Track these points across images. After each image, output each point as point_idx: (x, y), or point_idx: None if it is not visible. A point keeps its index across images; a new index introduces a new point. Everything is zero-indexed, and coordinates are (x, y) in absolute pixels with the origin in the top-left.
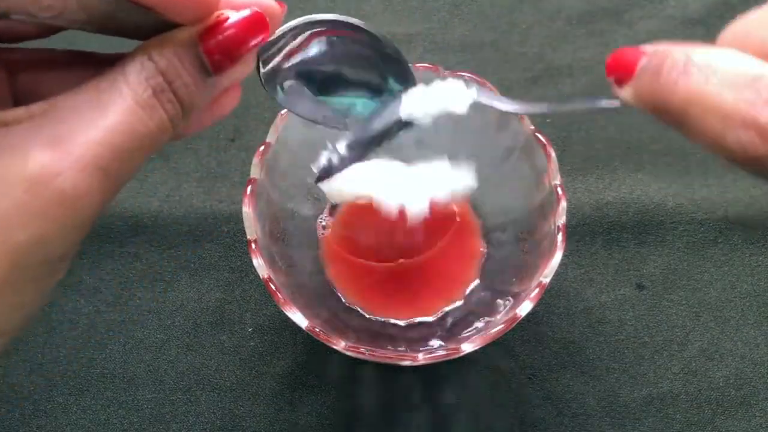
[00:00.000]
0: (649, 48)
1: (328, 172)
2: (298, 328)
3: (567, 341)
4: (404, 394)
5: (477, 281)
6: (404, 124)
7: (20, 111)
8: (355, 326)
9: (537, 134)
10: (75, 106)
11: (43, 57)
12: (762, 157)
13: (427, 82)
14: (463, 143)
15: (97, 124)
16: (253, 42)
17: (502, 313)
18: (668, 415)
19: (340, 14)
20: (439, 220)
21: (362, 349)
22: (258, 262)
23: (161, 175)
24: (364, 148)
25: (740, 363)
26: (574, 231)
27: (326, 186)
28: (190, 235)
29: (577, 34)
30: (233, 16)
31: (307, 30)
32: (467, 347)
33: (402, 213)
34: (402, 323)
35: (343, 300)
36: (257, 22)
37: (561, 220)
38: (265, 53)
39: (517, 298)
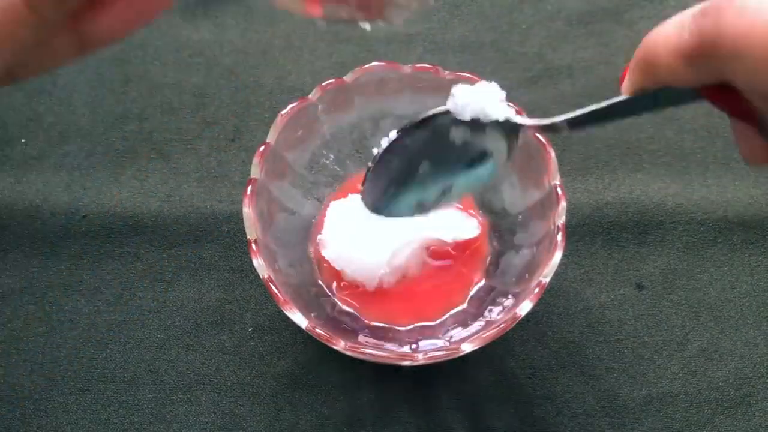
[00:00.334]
0: None
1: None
2: (298, 328)
3: (567, 341)
4: (404, 394)
5: (482, 282)
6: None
7: None
8: (355, 327)
9: (537, 135)
10: None
11: None
12: None
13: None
14: None
15: None
16: None
17: (502, 312)
18: (668, 415)
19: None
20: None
21: (362, 350)
22: (258, 262)
23: (162, 175)
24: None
25: (739, 363)
26: (573, 231)
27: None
28: (190, 235)
29: (577, 34)
30: None
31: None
32: (467, 347)
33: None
34: (402, 328)
35: (340, 303)
36: None
37: (561, 219)
38: None
39: (517, 298)
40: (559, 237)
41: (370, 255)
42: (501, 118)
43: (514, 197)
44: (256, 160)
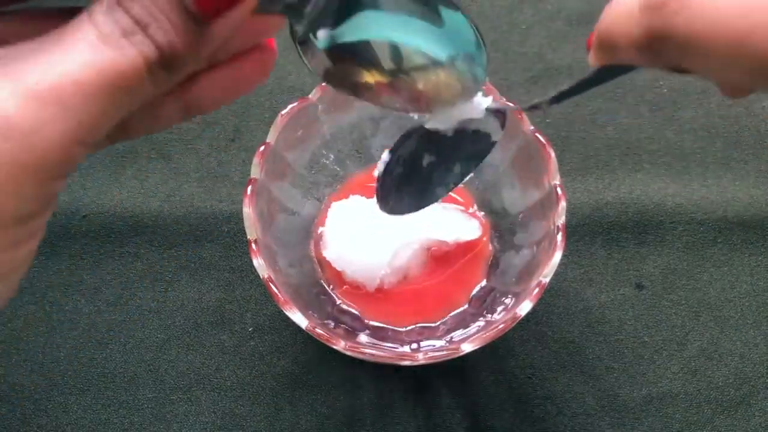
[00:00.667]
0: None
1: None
2: (298, 328)
3: (566, 341)
4: (404, 394)
5: (483, 282)
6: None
7: None
8: (355, 326)
9: (537, 134)
10: (35, 47)
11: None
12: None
13: None
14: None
15: (53, 57)
16: None
17: (502, 312)
18: (668, 415)
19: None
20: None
21: (362, 349)
22: (258, 263)
23: (162, 175)
24: None
25: (739, 362)
26: (573, 231)
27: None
28: (190, 235)
29: (577, 34)
30: None
31: None
32: (467, 347)
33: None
34: (402, 329)
35: (341, 303)
36: None
37: (561, 219)
38: None
39: (517, 298)
40: (559, 237)
41: (371, 256)
42: (482, 115)
43: (514, 197)
44: (256, 160)
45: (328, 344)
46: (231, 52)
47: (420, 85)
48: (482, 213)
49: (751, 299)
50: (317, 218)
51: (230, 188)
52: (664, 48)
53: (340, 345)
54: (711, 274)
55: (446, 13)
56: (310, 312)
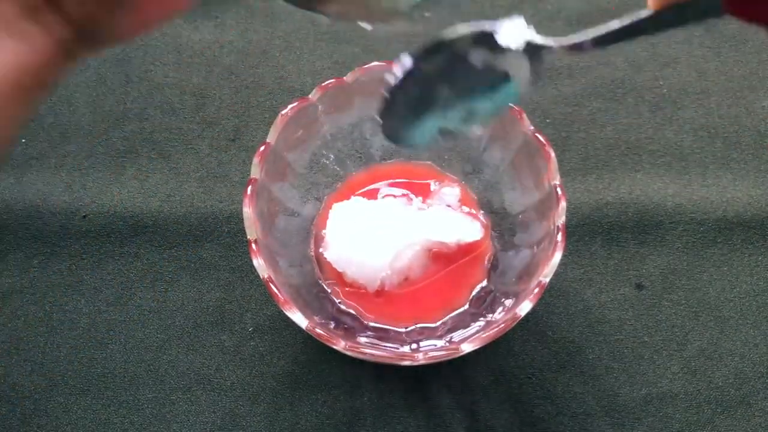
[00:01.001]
0: None
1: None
2: (298, 328)
3: (566, 341)
4: (404, 394)
5: (484, 282)
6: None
7: None
8: (355, 327)
9: (537, 135)
10: None
11: None
12: None
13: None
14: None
15: None
16: None
17: (502, 312)
18: (667, 415)
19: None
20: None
21: (362, 349)
22: (258, 263)
23: (162, 175)
24: None
25: (739, 362)
26: (573, 231)
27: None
28: (190, 235)
29: None
30: None
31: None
32: (467, 347)
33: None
34: (402, 329)
35: (341, 303)
36: None
37: (561, 219)
38: None
39: (517, 298)
40: (559, 237)
41: (372, 257)
42: (520, 46)
43: (514, 197)
44: (256, 160)
45: (328, 344)
46: None
47: None
48: (482, 213)
49: (751, 299)
50: (317, 218)
51: (230, 188)
52: None
53: (340, 345)
54: (711, 274)
55: None
56: (310, 312)
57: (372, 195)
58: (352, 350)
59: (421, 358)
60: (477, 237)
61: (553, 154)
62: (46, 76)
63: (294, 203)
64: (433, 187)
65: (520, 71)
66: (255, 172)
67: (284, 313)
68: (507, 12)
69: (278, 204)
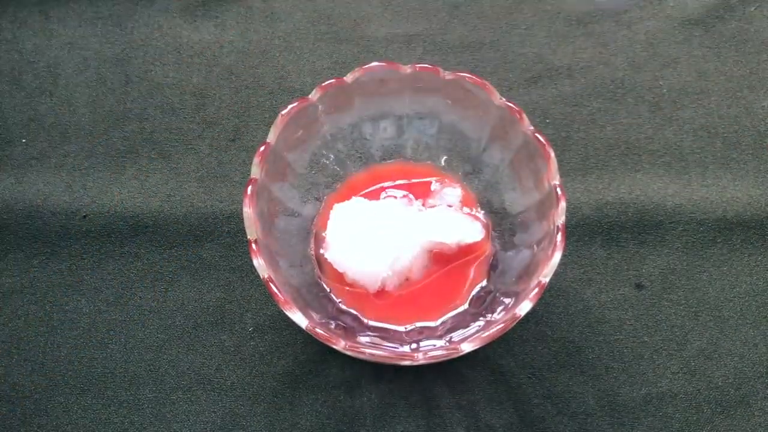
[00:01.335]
0: None
1: None
2: (299, 328)
3: (566, 341)
4: (404, 394)
5: (484, 282)
6: None
7: None
8: (355, 326)
9: (537, 135)
10: None
11: None
12: None
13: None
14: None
15: None
16: None
17: (502, 312)
18: (667, 415)
19: None
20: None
21: (362, 349)
22: (258, 263)
23: (162, 175)
24: None
25: (739, 362)
26: (573, 231)
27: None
28: (190, 235)
29: (577, 35)
30: None
31: None
32: (467, 347)
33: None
34: (402, 329)
35: (340, 303)
36: None
37: (560, 220)
38: None
39: (517, 298)
40: (559, 237)
41: (372, 258)
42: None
43: (514, 197)
44: (256, 160)
45: (328, 344)
46: None
47: None
48: (482, 213)
49: (751, 299)
50: (317, 218)
51: (230, 188)
52: None
53: (340, 345)
54: (710, 274)
55: None
56: (311, 312)
57: (372, 195)
58: (352, 350)
59: (421, 358)
60: (477, 238)
61: (552, 154)
62: None
63: (294, 203)
64: (434, 187)
65: None
66: (255, 172)
67: (284, 313)
68: (507, 12)
69: (278, 204)
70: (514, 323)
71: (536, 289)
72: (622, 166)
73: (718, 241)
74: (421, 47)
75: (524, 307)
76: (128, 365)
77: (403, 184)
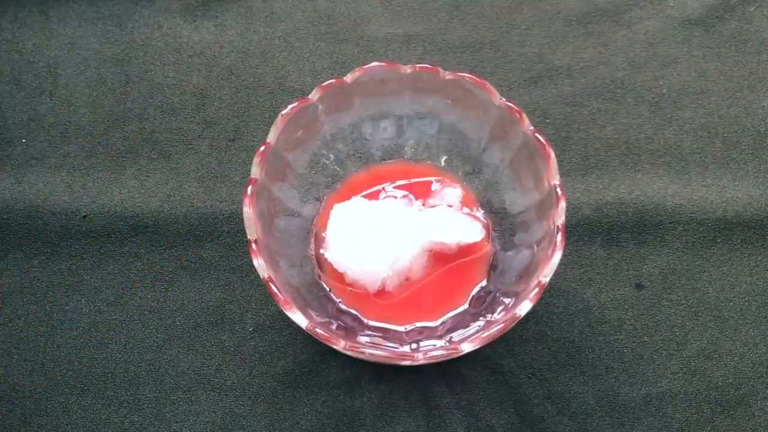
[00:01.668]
0: None
1: None
2: (299, 328)
3: (566, 340)
4: (404, 394)
5: (483, 282)
6: None
7: None
8: (355, 326)
9: (536, 135)
10: None
11: None
12: None
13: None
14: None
15: None
16: None
17: (502, 312)
18: (667, 414)
19: None
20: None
21: (362, 349)
22: (259, 263)
23: (162, 175)
24: None
25: (739, 362)
26: (573, 231)
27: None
28: (190, 235)
29: (577, 35)
30: None
31: None
32: (467, 347)
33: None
34: (402, 329)
35: (341, 303)
36: None
37: (560, 219)
38: None
39: (517, 298)
40: (559, 237)
41: (373, 258)
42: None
43: (514, 197)
44: (256, 160)
45: (329, 344)
46: None
47: None
48: (481, 213)
49: (751, 299)
50: (317, 218)
51: (230, 188)
52: None
53: (340, 345)
54: (710, 274)
55: None
56: (311, 312)
57: (372, 195)
58: (352, 350)
59: (421, 358)
60: (478, 238)
61: (552, 154)
62: None
63: (294, 203)
64: (434, 187)
65: None
66: (255, 172)
67: (284, 313)
68: (507, 12)
69: (278, 204)
70: (514, 323)
71: (536, 289)
72: (622, 166)
73: (718, 241)
74: (421, 47)
75: (524, 307)
76: (128, 365)
77: (403, 184)
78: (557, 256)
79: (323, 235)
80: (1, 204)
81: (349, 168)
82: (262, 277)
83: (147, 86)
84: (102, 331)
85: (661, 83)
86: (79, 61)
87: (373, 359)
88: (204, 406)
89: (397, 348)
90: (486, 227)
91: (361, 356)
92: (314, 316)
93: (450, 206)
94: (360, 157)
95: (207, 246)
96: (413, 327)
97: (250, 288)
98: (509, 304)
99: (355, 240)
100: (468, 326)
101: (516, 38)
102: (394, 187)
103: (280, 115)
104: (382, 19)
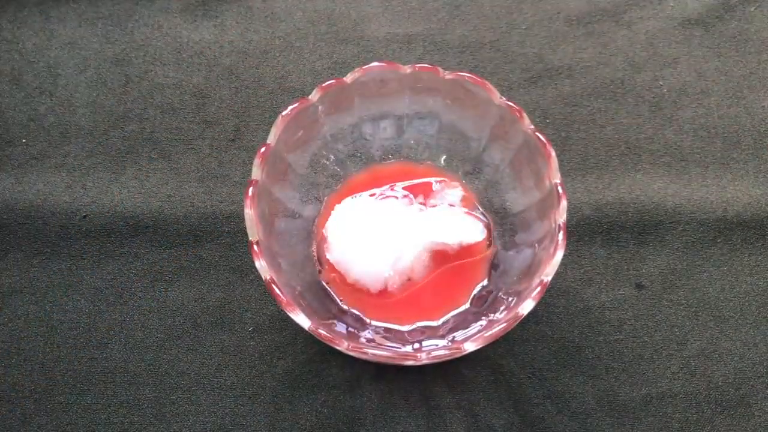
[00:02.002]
0: None
1: None
2: (299, 328)
3: (566, 340)
4: (404, 394)
5: (485, 281)
6: None
7: None
8: (357, 327)
9: (537, 134)
10: None
11: None
12: None
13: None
14: (463, 144)
15: None
16: None
17: (504, 312)
18: (667, 414)
19: None
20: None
21: (365, 350)
22: (260, 264)
23: (162, 175)
24: None
25: (739, 362)
26: (573, 231)
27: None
28: (190, 235)
29: (577, 35)
30: None
31: None
32: (470, 346)
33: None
34: (404, 328)
35: (342, 303)
36: None
37: (561, 218)
38: None
39: (519, 297)
40: (560, 236)
41: (374, 258)
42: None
43: (515, 196)
44: (256, 161)
45: (331, 345)
46: None
47: None
48: (482, 212)
49: (751, 299)
50: (318, 219)
51: (230, 188)
52: None
53: (343, 346)
54: (711, 274)
55: None
56: (312, 313)
57: (373, 196)
58: (355, 350)
59: (424, 358)
60: (479, 238)
61: (553, 153)
62: None
63: (295, 204)
64: (434, 187)
65: None
66: (256, 173)
67: (284, 313)
68: (507, 12)
69: (279, 205)
70: (517, 322)
71: (538, 288)
72: (622, 166)
73: (718, 241)
74: (421, 47)
75: (527, 306)
76: (128, 365)
77: (404, 185)
78: (559, 254)
79: (324, 235)
80: (1, 204)
81: (350, 168)
82: (264, 278)
83: (147, 86)
84: (102, 331)
85: (661, 83)
86: (79, 61)
87: (375, 359)
88: (204, 406)
89: (400, 348)
90: (488, 227)
91: (363, 357)
92: (316, 317)
93: (451, 206)
94: (360, 158)
95: (207, 246)
96: (415, 327)
97: (250, 288)
98: (511, 303)
99: (357, 240)
100: (470, 326)
101: (516, 38)
102: (395, 188)
103: (280, 116)
104: (382, 19)
